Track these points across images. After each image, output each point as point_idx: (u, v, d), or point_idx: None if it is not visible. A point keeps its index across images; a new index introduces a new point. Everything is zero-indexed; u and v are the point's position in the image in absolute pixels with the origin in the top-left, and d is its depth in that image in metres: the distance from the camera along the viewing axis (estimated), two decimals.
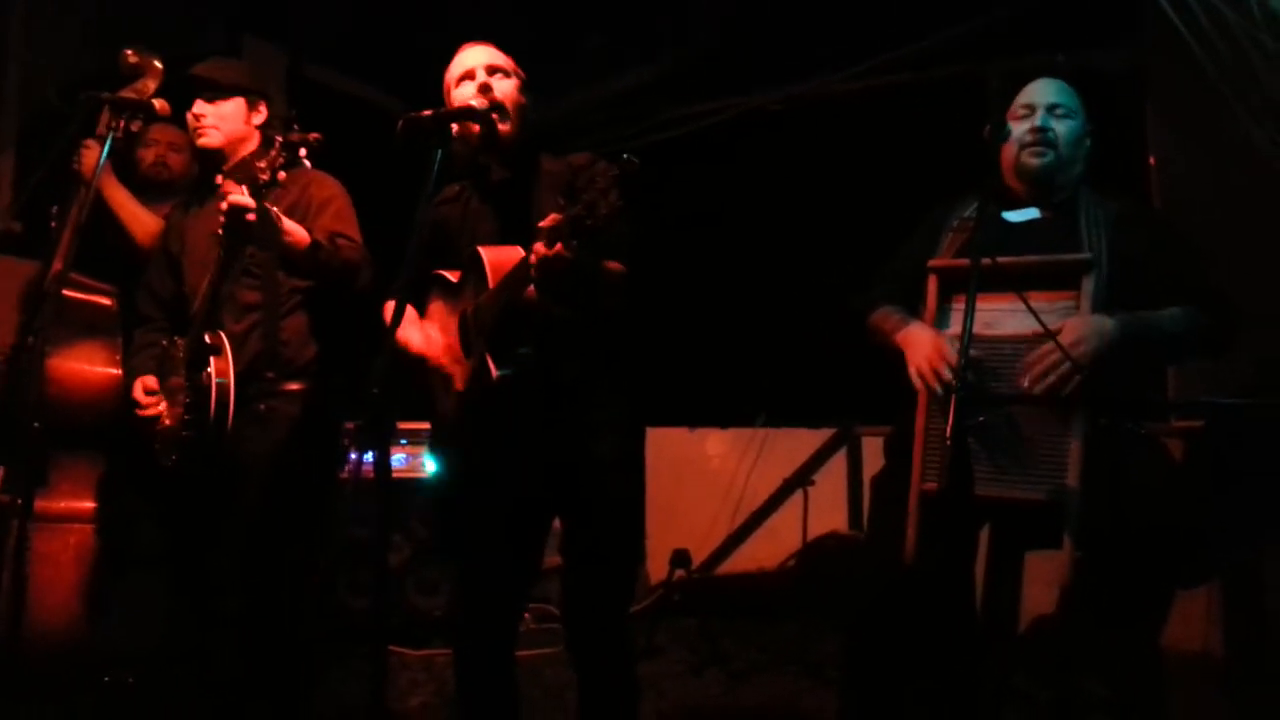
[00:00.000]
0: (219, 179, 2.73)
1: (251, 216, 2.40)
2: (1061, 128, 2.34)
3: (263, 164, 2.39)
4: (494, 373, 2.10)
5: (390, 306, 2.45)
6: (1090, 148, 2.40)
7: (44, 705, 2.64)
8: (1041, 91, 2.38)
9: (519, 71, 2.37)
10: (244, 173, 2.49)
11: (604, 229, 1.83)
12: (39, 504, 2.54)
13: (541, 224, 1.92)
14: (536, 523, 2.34)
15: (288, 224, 2.53)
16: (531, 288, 2.03)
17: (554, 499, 2.28)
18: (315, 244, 2.57)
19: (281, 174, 2.41)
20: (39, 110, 3.59)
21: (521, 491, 2.27)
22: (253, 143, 2.77)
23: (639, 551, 4.31)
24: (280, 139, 2.41)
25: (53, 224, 2.86)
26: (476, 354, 2.18)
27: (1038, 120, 2.33)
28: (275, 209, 2.48)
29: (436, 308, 2.39)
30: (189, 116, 2.73)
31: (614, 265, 2.19)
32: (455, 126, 2.15)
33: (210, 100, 2.71)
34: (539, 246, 1.92)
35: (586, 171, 2.26)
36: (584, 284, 2.08)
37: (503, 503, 2.29)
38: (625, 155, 1.84)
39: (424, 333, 2.37)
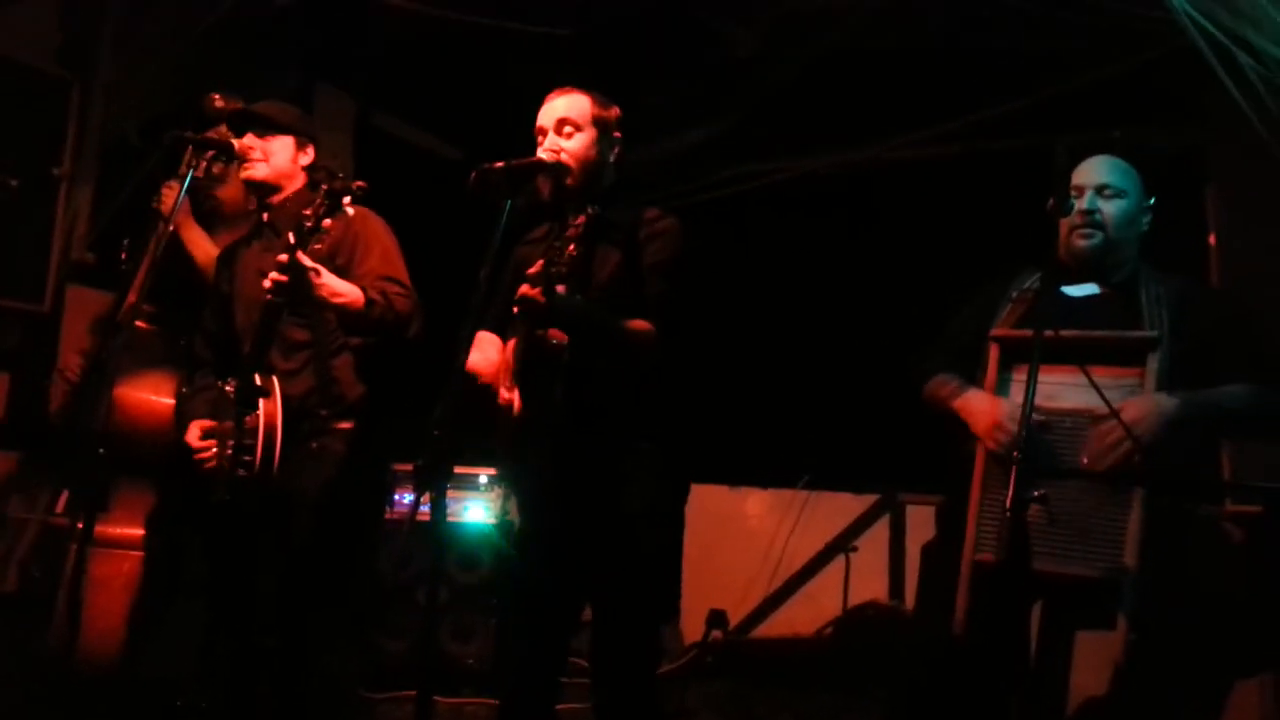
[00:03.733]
0: (265, 216, 2.82)
1: (311, 279, 2.48)
2: (1110, 209, 2.33)
3: (308, 212, 2.47)
4: (517, 407, 2.23)
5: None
6: (1148, 225, 2.39)
7: None
8: (1091, 172, 2.36)
9: (600, 119, 2.39)
10: (290, 220, 2.55)
11: (563, 277, 2.06)
12: (96, 529, 2.59)
13: (530, 269, 2.11)
14: (571, 575, 2.34)
15: (340, 286, 2.57)
16: (553, 330, 2.16)
17: (583, 549, 2.28)
18: (370, 303, 2.61)
19: (326, 221, 2.48)
20: (118, 147, 3.71)
21: (552, 539, 2.30)
22: (298, 182, 2.84)
23: (667, 608, 4.27)
24: (325, 187, 2.49)
25: (124, 256, 2.94)
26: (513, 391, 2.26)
27: (1085, 202, 2.33)
28: (324, 272, 2.52)
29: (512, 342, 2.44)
30: (239, 148, 2.79)
31: (639, 324, 2.24)
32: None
33: (261, 135, 2.79)
34: (524, 288, 2.10)
35: (645, 226, 2.34)
36: (572, 327, 2.18)
37: (536, 551, 2.33)
38: (590, 208, 2.13)
39: (484, 353, 2.39)
